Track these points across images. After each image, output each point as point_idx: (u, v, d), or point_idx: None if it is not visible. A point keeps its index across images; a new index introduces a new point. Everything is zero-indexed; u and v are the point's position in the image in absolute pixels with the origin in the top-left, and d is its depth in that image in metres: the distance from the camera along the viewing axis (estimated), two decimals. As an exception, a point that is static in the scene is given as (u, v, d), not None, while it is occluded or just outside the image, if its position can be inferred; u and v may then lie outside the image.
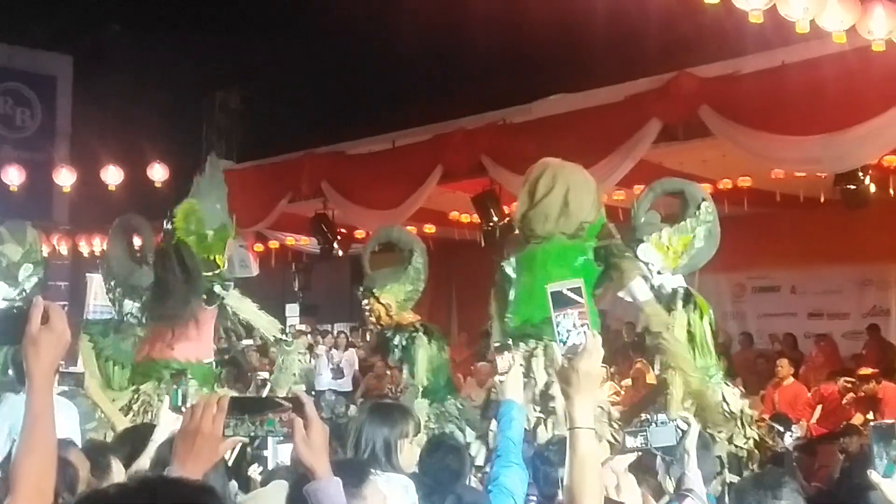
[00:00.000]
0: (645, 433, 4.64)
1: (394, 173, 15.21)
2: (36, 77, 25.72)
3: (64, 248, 22.06)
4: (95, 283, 19.49)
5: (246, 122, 21.68)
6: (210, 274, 8.58)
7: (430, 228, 17.81)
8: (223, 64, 21.79)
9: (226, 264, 8.83)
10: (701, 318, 7.95)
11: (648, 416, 4.79)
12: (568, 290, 2.90)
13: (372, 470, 4.01)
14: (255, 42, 22.12)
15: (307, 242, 19.59)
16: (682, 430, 4.77)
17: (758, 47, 11.28)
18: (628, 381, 14.75)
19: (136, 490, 1.79)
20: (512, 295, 8.15)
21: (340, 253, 18.37)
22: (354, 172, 16.10)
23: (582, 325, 2.84)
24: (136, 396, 8.25)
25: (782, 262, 17.25)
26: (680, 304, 7.93)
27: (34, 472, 2.30)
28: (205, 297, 8.54)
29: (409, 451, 4.54)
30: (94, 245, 21.47)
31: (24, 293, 10.02)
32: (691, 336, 7.92)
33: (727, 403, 7.88)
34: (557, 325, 2.87)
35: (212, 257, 8.63)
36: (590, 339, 2.81)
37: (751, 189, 14.63)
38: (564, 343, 2.85)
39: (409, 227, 16.32)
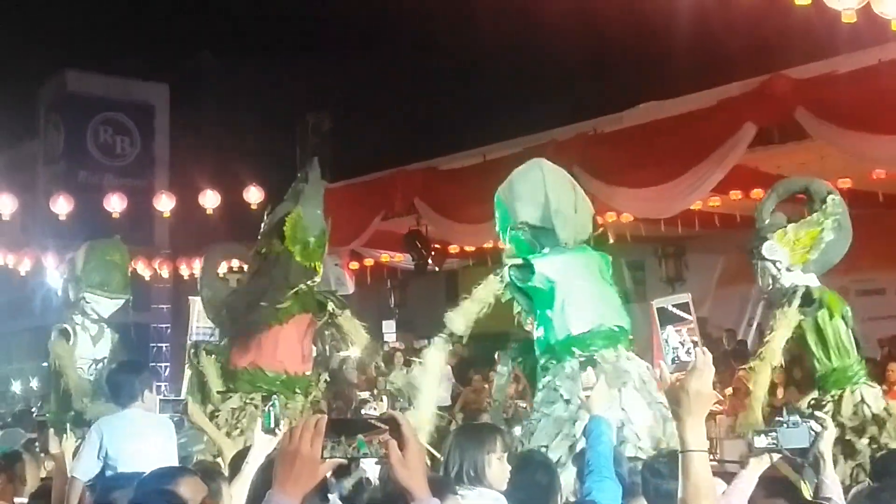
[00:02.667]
0: (776, 434, 4.43)
1: (486, 187, 15.13)
2: (134, 106, 26.40)
3: (165, 272, 22.54)
4: (198, 306, 19.91)
5: (338, 142, 21.93)
6: (323, 289, 8.64)
7: (523, 241, 17.76)
8: (314, 86, 22.10)
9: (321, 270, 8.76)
10: (832, 317, 7.63)
11: (781, 417, 4.59)
12: (673, 305, 2.77)
13: (457, 488, 4.02)
14: (345, 63, 22.41)
15: (402, 259, 19.70)
16: (816, 432, 4.50)
17: (852, 46, 11.04)
18: (730, 390, 14.49)
19: None
20: (538, 309, 7.72)
21: (436, 268, 18.42)
22: (446, 187, 16.14)
23: (691, 343, 2.71)
24: (242, 408, 8.30)
25: (887, 264, 16.78)
26: (794, 303, 7.62)
27: None
28: (314, 309, 8.58)
29: (499, 467, 4.53)
30: (194, 268, 21.88)
31: (78, 312, 10.14)
32: (822, 340, 7.65)
33: (868, 406, 7.55)
34: (665, 343, 2.75)
35: (312, 265, 8.62)
36: (700, 357, 2.68)
37: (851, 190, 14.26)
38: (673, 362, 2.73)
39: (501, 241, 16.41)
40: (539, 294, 7.63)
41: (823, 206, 7.81)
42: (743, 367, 14.95)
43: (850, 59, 11.37)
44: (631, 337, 7.61)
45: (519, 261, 7.76)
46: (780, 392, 12.09)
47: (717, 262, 18.39)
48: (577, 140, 14.21)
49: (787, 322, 7.60)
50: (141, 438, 6.44)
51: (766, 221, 7.99)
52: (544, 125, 15.25)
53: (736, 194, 14.38)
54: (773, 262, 7.81)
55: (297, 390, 8.49)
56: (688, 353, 2.70)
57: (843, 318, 7.69)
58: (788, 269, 7.79)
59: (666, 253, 18.81)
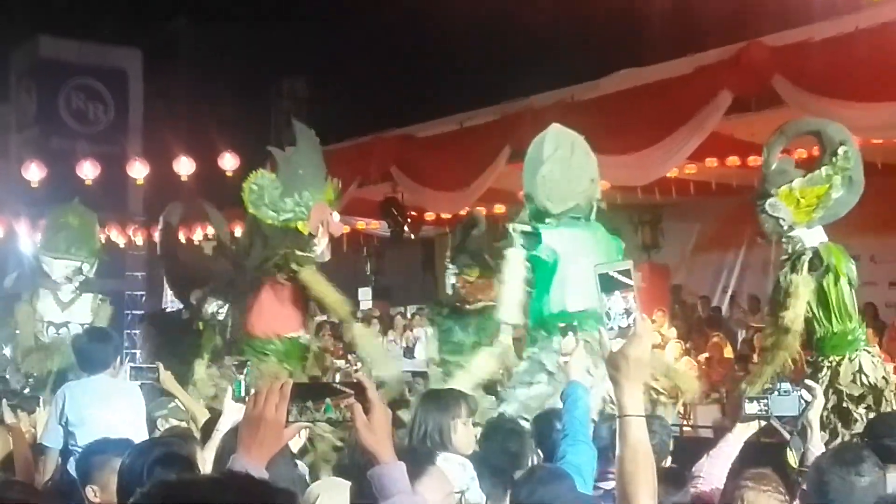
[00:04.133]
0: (766, 401, 4.45)
1: (462, 154, 15.17)
2: (107, 71, 26.09)
3: (140, 239, 22.41)
4: (171, 274, 19.81)
5: (313, 109, 21.81)
6: (289, 248, 8.37)
7: (499, 209, 17.75)
8: (289, 52, 21.95)
9: (315, 232, 8.47)
10: (836, 280, 7.30)
11: (771, 385, 4.60)
12: (616, 272, 2.75)
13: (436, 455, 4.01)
14: (320, 29, 22.22)
15: (377, 226, 19.67)
16: (806, 401, 4.53)
17: (829, 13, 11.02)
18: (704, 356, 14.58)
19: (224, 485, 1.76)
20: (536, 279, 7.71)
21: (412, 236, 18.40)
22: (423, 155, 16.10)
23: (631, 309, 2.71)
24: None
25: (861, 231, 16.86)
26: (804, 269, 7.32)
27: None
28: (277, 271, 8.42)
29: (465, 432, 4.58)
30: (169, 235, 21.76)
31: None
32: (824, 302, 7.33)
33: (865, 375, 7.26)
34: (607, 309, 2.73)
35: (293, 226, 8.43)
36: (640, 324, 2.69)
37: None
38: (613, 328, 2.73)
39: (479, 208, 16.37)
40: (542, 265, 7.64)
41: (834, 159, 7.36)
42: (716, 333, 15.14)
43: (827, 27, 11.37)
44: None
45: (528, 227, 7.72)
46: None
47: (692, 230, 18.49)
48: (555, 107, 14.15)
49: (804, 290, 7.31)
50: (103, 405, 6.42)
51: (773, 167, 7.61)
52: (522, 92, 15.18)
53: (712, 162, 14.40)
54: (777, 219, 7.50)
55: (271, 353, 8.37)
56: (629, 319, 2.70)
57: (848, 279, 7.36)
58: (792, 227, 7.48)
59: (642, 220, 18.86)
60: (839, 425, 7.11)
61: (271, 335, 8.41)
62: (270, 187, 8.36)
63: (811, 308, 7.39)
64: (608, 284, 2.74)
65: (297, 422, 2.29)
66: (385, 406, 2.31)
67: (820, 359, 7.47)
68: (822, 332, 7.44)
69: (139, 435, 5.90)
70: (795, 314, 7.31)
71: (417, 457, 2.93)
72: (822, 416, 7.05)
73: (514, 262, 7.75)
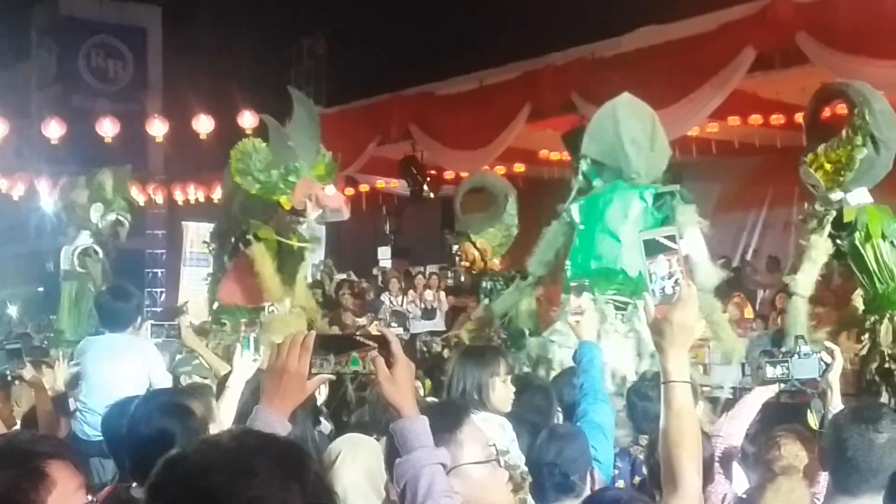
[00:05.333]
0: (787, 363, 4.44)
1: (482, 113, 15.09)
2: (126, 29, 26.10)
3: (160, 198, 22.48)
4: (191, 232, 19.90)
5: (333, 67, 21.70)
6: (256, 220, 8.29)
7: (519, 168, 17.69)
8: (309, 9, 21.80)
9: (301, 206, 8.41)
10: (868, 238, 7.09)
11: (791, 347, 4.58)
12: (662, 237, 2.75)
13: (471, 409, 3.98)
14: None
15: (397, 185, 19.66)
16: (826, 363, 4.50)
17: (856, -31, 10.87)
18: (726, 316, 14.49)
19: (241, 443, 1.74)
20: (571, 242, 7.77)
21: (431, 195, 18.37)
22: (442, 113, 16.04)
23: (677, 274, 2.70)
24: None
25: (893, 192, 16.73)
26: (825, 230, 7.18)
27: None
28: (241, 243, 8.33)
29: (503, 390, 4.50)
30: (188, 193, 21.83)
31: (99, 234, 10.31)
32: (861, 263, 7.15)
33: None
34: (651, 275, 2.73)
35: (275, 199, 8.34)
36: (684, 289, 2.67)
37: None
38: (657, 293, 2.71)
39: (498, 167, 16.32)
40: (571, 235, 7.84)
41: (854, 119, 7.17)
42: (737, 294, 15.07)
43: (854, -18, 11.22)
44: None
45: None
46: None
47: (713, 190, 18.35)
48: (576, 65, 14.06)
49: (815, 252, 7.22)
50: (108, 361, 6.50)
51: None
52: (542, 50, 15.05)
53: (734, 120, 14.30)
54: (812, 186, 7.35)
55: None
56: (674, 284, 2.69)
57: (883, 236, 7.12)
58: (828, 192, 7.28)
59: (662, 180, 18.72)
60: (884, 386, 7.01)
61: (239, 304, 8.39)
62: (257, 158, 8.26)
63: (855, 273, 7.27)
64: (652, 249, 2.74)
65: (320, 374, 2.28)
66: (408, 360, 2.30)
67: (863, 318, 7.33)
68: (862, 292, 7.34)
69: (139, 391, 5.96)
70: (805, 282, 7.25)
71: (454, 409, 2.91)
72: (866, 378, 7.05)
73: (554, 229, 7.99)
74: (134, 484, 3.30)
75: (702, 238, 7.35)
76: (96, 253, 10.32)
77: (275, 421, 2.24)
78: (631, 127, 7.63)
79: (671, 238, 2.75)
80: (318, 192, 8.43)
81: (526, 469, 3.84)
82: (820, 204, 7.43)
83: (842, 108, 7.82)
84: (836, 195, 7.29)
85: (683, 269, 2.73)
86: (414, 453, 2.27)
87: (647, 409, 4.85)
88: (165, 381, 6.52)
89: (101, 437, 5.74)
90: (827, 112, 8.00)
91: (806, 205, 7.97)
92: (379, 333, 2.31)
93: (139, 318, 7.07)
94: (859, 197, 7.32)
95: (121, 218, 10.55)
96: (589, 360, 4.80)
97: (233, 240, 8.48)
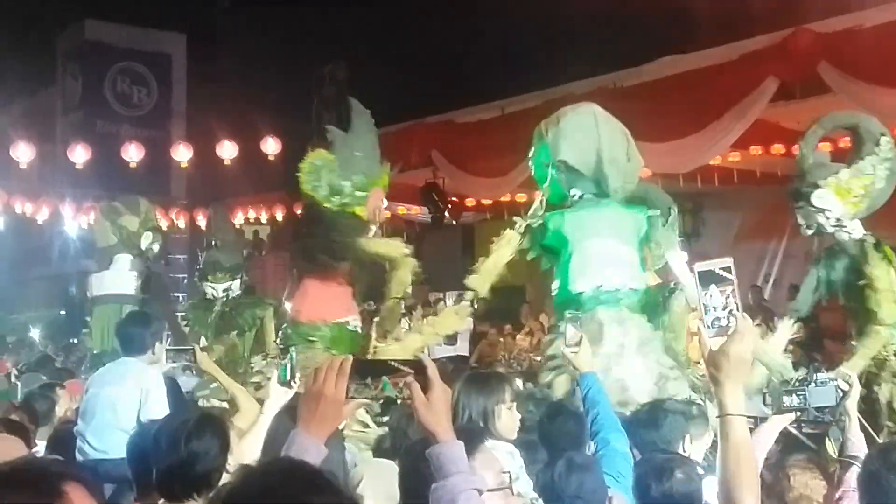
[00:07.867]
0: (804, 392, 4.41)
1: (504, 140, 15.10)
2: (151, 56, 26.32)
3: (182, 223, 22.59)
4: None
5: (354, 94, 21.79)
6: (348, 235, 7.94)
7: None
8: (331, 36, 21.96)
9: (372, 218, 8.08)
10: (890, 263, 7.03)
11: (807, 376, 4.57)
12: (719, 269, 2.70)
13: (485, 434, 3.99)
14: (363, 14, 22.22)
15: (418, 212, 19.67)
16: (843, 391, 4.45)
17: (878, 0, 10.89)
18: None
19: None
20: (548, 263, 7.50)
21: (452, 221, 18.40)
22: (464, 141, 16.08)
23: (731, 306, 2.66)
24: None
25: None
26: (875, 256, 7.03)
27: None
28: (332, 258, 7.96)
29: (508, 417, 4.47)
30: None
31: (148, 260, 10.60)
32: (857, 290, 7.08)
33: None
34: (705, 307, 2.69)
35: (350, 211, 7.98)
36: (741, 321, 2.65)
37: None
38: (712, 326, 2.68)
39: (519, 195, 16.35)
40: (555, 251, 7.44)
41: (876, 150, 7.10)
42: (758, 323, 14.98)
43: (876, 14, 11.23)
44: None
45: (540, 221, 7.57)
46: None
47: (734, 219, 18.32)
48: (597, 94, 14.04)
49: (884, 280, 7.03)
50: (111, 386, 6.47)
51: (811, 162, 7.35)
52: (563, 78, 15.10)
53: (756, 150, 14.26)
54: (823, 212, 7.21)
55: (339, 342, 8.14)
56: (729, 316, 2.66)
57: (886, 261, 7.06)
58: (839, 220, 7.21)
59: (683, 209, 18.65)
60: None
61: (318, 321, 8.18)
62: (327, 168, 7.96)
63: (861, 300, 7.17)
64: (707, 280, 2.70)
65: (356, 399, 2.31)
66: (444, 385, 2.33)
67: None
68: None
69: (126, 417, 6.13)
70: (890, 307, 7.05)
71: (469, 436, 2.94)
72: (887, 408, 6.97)
73: (505, 241, 7.55)
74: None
75: (684, 262, 7.25)
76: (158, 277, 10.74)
77: (311, 445, 2.27)
78: (613, 145, 7.40)
79: (727, 269, 2.71)
80: (380, 203, 8.25)
81: (535, 495, 3.82)
82: (827, 233, 7.36)
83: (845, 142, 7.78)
84: (845, 223, 7.24)
85: (738, 301, 2.68)
86: (451, 479, 2.29)
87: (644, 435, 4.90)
88: (159, 410, 6.21)
89: (98, 459, 5.89)
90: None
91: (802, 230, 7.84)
92: (415, 359, 2.35)
93: (156, 344, 6.96)
94: (857, 226, 7.33)
95: (161, 245, 10.95)
96: (596, 391, 4.83)
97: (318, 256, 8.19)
